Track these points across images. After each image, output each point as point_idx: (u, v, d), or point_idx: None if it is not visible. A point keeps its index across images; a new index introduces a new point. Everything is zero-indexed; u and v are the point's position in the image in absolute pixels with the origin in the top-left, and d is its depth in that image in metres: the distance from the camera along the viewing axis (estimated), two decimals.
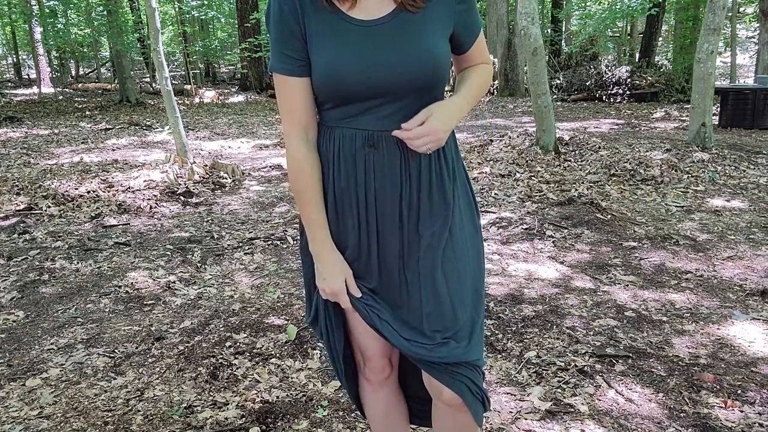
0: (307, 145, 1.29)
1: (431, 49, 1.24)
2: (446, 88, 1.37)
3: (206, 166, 6.40)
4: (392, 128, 1.23)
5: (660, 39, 17.45)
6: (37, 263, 3.80)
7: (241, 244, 4.11)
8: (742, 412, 2.11)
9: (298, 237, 1.29)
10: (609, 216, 4.50)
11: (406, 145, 1.24)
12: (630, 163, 6.02)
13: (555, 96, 13.78)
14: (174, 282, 3.46)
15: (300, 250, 1.45)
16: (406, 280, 1.32)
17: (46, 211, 4.94)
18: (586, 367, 2.41)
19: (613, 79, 13.89)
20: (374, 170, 1.28)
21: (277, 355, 2.59)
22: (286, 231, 4.38)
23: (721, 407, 2.13)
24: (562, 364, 2.45)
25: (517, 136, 7.26)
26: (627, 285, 3.29)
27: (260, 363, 2.53)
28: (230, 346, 2.66)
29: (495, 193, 5.28)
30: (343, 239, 1.34)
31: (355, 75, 1.21)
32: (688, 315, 2.90)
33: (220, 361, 2.54)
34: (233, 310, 3.06)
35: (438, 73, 1.26)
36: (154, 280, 3.49)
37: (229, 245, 4.11)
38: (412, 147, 1.21)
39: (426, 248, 1.30)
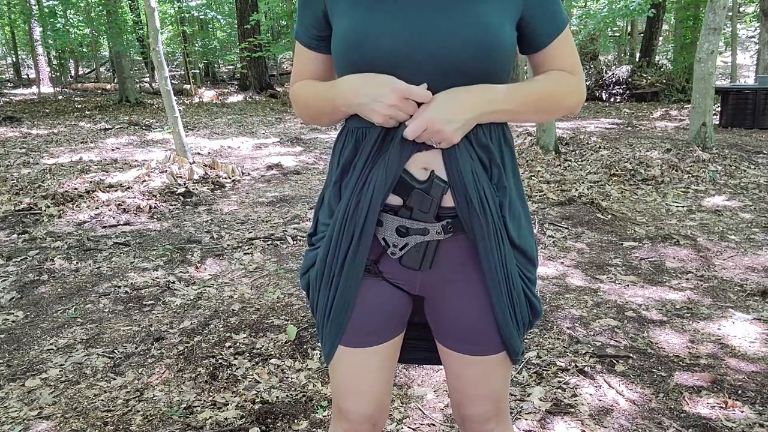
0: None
1: (490, 25, 0.95)
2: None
3: (206, 165, 6.39)
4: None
5: (660, 38, 17.44)
6: (37, 263, 3.79)
7: (240, 244, 4.11)
8: (742, 412, 2.10)
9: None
10: (609, 216, 4.50)
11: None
12: (630, 163, 6.02)
13: None
14: (173, 282, 3.46)
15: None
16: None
17: (45, 211, 4.93)
18: (586, 368, 2.41)
19: (614, 79, 13.90)
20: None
21: (277, 355, 2.59)
22: (286, 231, 4.37)
23: (721, 407, 2.13)
24: (563, 364, 2.44)
25: (517, 136, 7.26)
26: (627, 285, 3.28)
27: (260, 363, 2.52)
28: (230, 347, 2.66)
29: None
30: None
31: (381, 45, 0.96)
32: (689, 315, 2.90)
33: (219, 361, 2.53)
34: (233, 310, 3.05)
35: (496, 59, 0.97)
36: (153, 280, 3.49)
37: (228, 245, 4.10)
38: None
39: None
